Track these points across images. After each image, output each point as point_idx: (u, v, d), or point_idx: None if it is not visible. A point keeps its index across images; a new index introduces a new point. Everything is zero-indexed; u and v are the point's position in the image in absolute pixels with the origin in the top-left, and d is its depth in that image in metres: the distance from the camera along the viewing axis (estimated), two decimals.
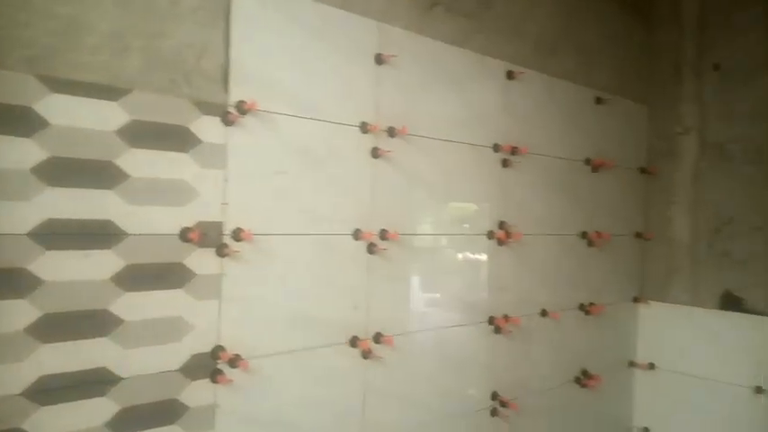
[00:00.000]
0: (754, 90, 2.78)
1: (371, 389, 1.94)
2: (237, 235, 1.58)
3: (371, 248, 1.91)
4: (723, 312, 2.83)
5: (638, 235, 3.09)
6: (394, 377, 2.01)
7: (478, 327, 2.31)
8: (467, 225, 2.26)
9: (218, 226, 1.56)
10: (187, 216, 1.50)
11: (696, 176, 2.96)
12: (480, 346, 2.32)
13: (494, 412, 2.36)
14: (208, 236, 1.54)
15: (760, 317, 2.71)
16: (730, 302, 2.82)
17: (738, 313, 2.78)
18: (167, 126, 1.49)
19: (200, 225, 1.52)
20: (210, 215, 1.55)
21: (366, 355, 1.90)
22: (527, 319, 2.50)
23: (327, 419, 1.83)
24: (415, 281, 2.08)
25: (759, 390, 2.68)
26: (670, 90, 3.06)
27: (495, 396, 2.37)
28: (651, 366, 3.07)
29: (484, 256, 2.33)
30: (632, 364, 3.12)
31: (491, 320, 2.35)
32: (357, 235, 1.87)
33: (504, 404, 2.37)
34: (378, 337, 1.94)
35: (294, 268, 1.73)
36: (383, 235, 1.93)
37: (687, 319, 2.96)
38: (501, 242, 2.36)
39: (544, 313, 2.57)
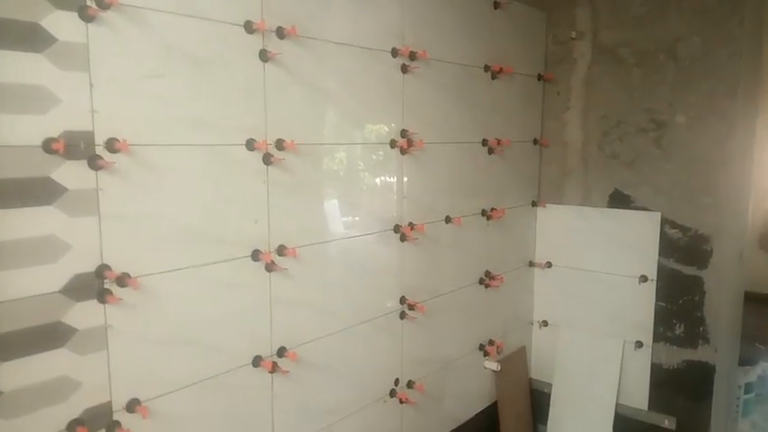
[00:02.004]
0: None
1: (278, 301, 1.92)
2: (111, 146, 1.45)
3: (268, 159, 1.83)
4: (613, 210, 3.03)
5: (536, 141, 3.19)
6: (300, 288, 2.00)
7: (384, 235, 2.32)
8: (368, 134, 2.21)
9: (88, 136, 1.42)
10: (49, 125, 1.35)
11: (588, 81, 3.06)
12: (387, 254, 2.35)
13: (402, 315, 2.44)
14: (77, 147, 1.40)
15: (645, 212, 2.92)
16: (619, 200, 3.01)
17: (626, 210, 2.98)
18: (15, 23, 1.30)
19: (67, 135, 1.38)
20: (78, 124, 1.40)
21: (270, 268, 1.87)
22: (432, 226, 2.55)
23: (233, 335, 1.80)
24: (318, 192, 2.04)
25: (644, 278, 2.93)
26: None
27: (403, 300, 2.43)
28: (549, 265, 3.27)
29: (387, 165, 2.32)
30: (532, 263, 3.30)
31: (396, 228, 2.37)
32: (251, 145, 1.78)
33: (411, 307, 2.44)
34: (281, 250, 1.90)
35: (183, 181, 1.63)
36: (280, 145, 1.85)
37: (581, 219, 3.14)
38: (403, 151, 2.35)
39: (448, 220, 2.63)
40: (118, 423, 1.53)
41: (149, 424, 1.61)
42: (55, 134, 1.36)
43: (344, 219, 2.16)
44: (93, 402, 1.49)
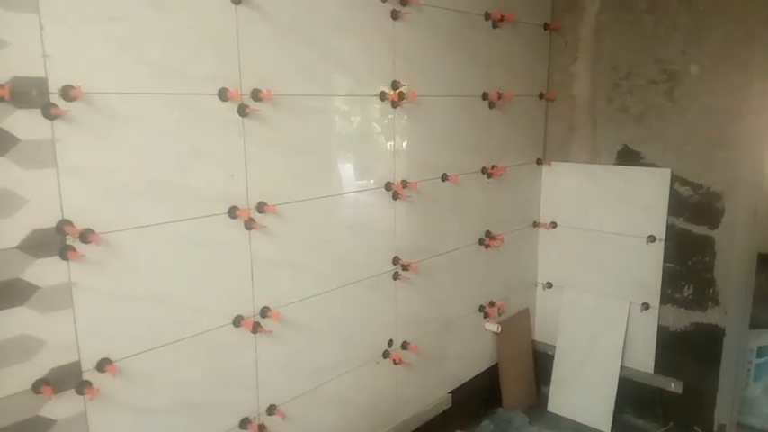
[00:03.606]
0: None
1: (260, 260, 1.85)
2: (67, 93, 1.36)
3: (243, 110, 1.73)
4: (621, 167, 2.89)
5: (541, 95, 3.04)
6: (284, 248, 1.93)
7: (375, 193, 2.23)
8: (355, 85, 2.09)
9: (40, 82, 1.33)
10: None
11: (597, 30, 2.88)
12: (378, 214, 2.26)
13: (395, 275, 2.36)
14: (27, 94, 1.31)
15: (655, 168, 2.78)
16: (628, 157, 2.86)
17: (635, 167, 2.84)
18: None
19: (15, 81, 1.29)
20: (28, 69, 1.31)
21: (249, 225, 1.79)
22: (427, 184, 2.44)
23: (211, 293, 1.74)
24: (300, 146, 1.94)
25: (652, 238, 2.80)
26: None
27: (396, 260, 2.35)
28: (554, 225, 3.16)
29: (377, 119, 2.21)
30: (536, 224, 3.19)
31: (388, 186, 2.27)
32: (224, 95, 1.68)
33: (405, 267, 2.36)
34: (261, 207, 1.82)
35: (148, 133, 1.54)
36: (256, 95, 1.75)
37: (587, 177, 3.01)
38: (395, 104, 2.23)
39: (445, 178, 2.52)
40: (88, 383, 1.49)
41: (123, 384, 1.57)
42: (2, 80, 1.27)
43: (331, 175, 2.06)
44: (60, 362, 1.44)
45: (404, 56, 2.24)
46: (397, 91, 2.22)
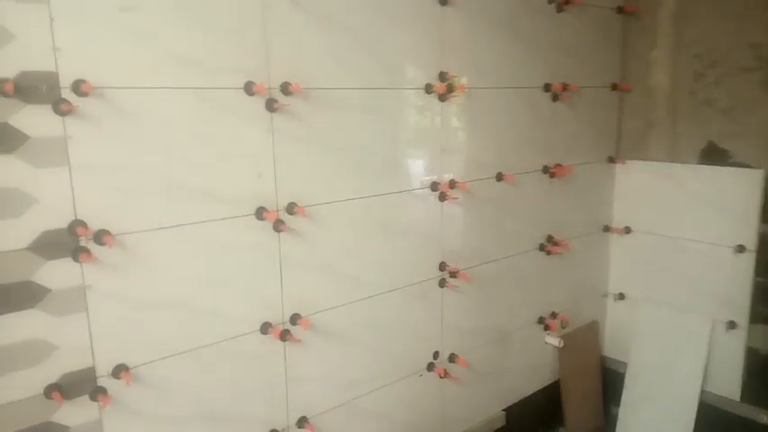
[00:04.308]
0: None
1: (291, 265, 1.74)
2: (78, 88, 1.30)
3: (271, 105, 1.62)
4: (705, 167, 2.56)
5: (615, 86, 2.75)
6: (318, 251, 1.81)
7: (419, 194, 2.07)
8: (397, 77, 1.94)
9: (50, 77, 1.28)
10: (1, 64, 1.22)
11: (680, 12, 2.56)
12: (422, 216, 2.10)
13: (442, 283, 2.19)
14: (37, 89, 1.26)
15: (745, 169, 2.44)
16: (713, 156, 2.54)
17: (722, 167, 2.51)
18: None
19: (24, 76, 1.24)
20: (37, 63, 1.26)
21: (278, 227, 1.68)
22: (478, 184, 2.25)
23: (236, 299, 1.65)
24: (335, 143, 1.81)
25: (741, 248, 2.47)
26: None
27: (442, 266, 2.18)
28: (628, 230, 2.87)
29: (422, 114, 2.04)
30: (607, 228, 2.91)
31: (434, 186, 2.10)
32: (250, 89, 1.58)
33: (453, 274, 2.18)
34: (291, 208, 1.71)
35: (167, 130, 1.47)
36: (285, 88, 1.64)
37: (666, 178, 2.70)
38: (442, 97, 2.06)
39: (499, 177, 2.32)
40: (102, 389, 1.43)
41: (141, 391, 1.50)
42: (9, 75, 1.23)
43: (369, 175, 1.92)
44: (74, 367, 1.39)
45: (453, 44, 2.06)
46: (445, 83, 2.04)
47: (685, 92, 2.58)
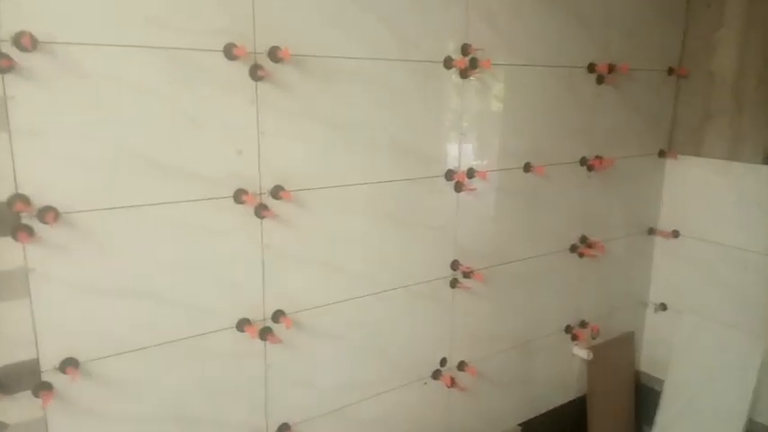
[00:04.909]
0: None
1: (276, 255, 1.55)
2: (19, 41, 1.12)
3: (255, 72, 1.41)
4: None
5: (671, 70, 2.42)
6: (308, 242, 1.60)
7: (431, 182, 1.83)
8: (410, 47, 1.69)
9: None
10: None
11: None
12: (434, 207, 1.86)
13: (454, 283, 1.95)
14: None
15: None
16: None
17: None
18: None
19: None
20: None
21: (260, 212, 1.48)
22: (503, 174, 2.00)
23: (209, 289, 1.47)
24: (333, 120, 1.59)
25: None
26: None
27: (455, 265, 1.94)
28: (675, 234, 2.55)
29: (438, 91, 1.79)
30: (652, 231, 2.60)
31: (449, 175, 1.86)
32: (230, 52, 1.37)
33: (466, 274, 1.95)
34: (276, 192, 1.51)
35: (134, 94, 1.28)
36: (273, 54, 1.43)
37: (724, 177, 2.36)
38: (464, 73, 1.80)
39: (528, 168, 2.05)
40: (47, 384, 1.28)
41: (94, 389, 1.35)
42: None
43: (373, 158, 1.69)
44: (13, 359, 1.24)
45: (481, 12, 1.80)
46: (468, 57, 1.79)
47: (754, 79, 2.23)
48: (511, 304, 2.15)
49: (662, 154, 2.51)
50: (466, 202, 1.92)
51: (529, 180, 2.07)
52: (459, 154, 1.87)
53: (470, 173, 1.88)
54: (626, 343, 2.67)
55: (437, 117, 1.80)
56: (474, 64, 1.79)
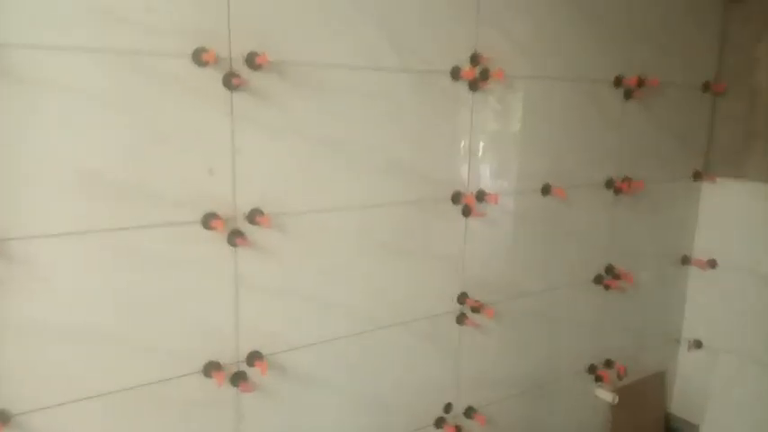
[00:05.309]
0: None
1: (251, 288, 1.36)
2: None
3: (230, 81, 1.24)
4: None
5: (707, 86, 2.19)
6: (291, 273, 1.41)
7: (436, 206, 1.63)
8: (412, 56, 1.50)
9: None
10: None
11: None
12: (439, 234, 1.65)
13: (460, 319, 1.74)
14: None
15: None
16: None
17: None
18: None
19: None
20: None
21: (233, 240, 1.30)
22: (518, 197, 1.79)
23: (173, 326, 1.28)
24: (323, 135, 1.40)
25: None
26: None
27: (462, 299, 1.73)
28: (712, 264, 2.30)
29: (445, 105, 1.60)
30: (686, 260, 2.35)
31: (457, 198, 1.66)
32: (199, 57, 1.20)
33: (476, 309, 1.73)
34: (253, 216, 1.32)
35: (84, 101, 1.11)
36: (252, 60, 1.25)
37: (767, 202, 2.12)
38: (474, 85, 1.61)
39: (546, 190, 1.84)
40: None
41: None
42: None
43: (368, 178, 1.49)
44: None
45: (492, 18, 1.61)
46: (478, 67, 1.59)
47: None
48: (526, 342, 1.93)
49: (697, 176, 2.27)
50: (475, 227, 1.71)
51: (548, 204, 1.85)
52: (468, 174, 1.67)
53: (480, 195, 1.68)
54: (656, 384, 2.41)
55: (443, 133, 1.60)
56: (485, 75, 1.60)
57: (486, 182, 1.70)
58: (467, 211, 1.67)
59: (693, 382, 2.41)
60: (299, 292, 1.43)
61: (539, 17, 1.70)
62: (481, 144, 1.67)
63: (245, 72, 1.26)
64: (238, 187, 1.30)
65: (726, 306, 2.28)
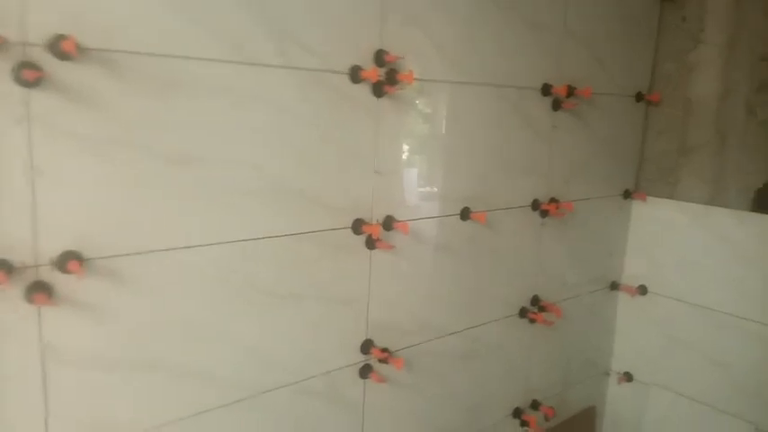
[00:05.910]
0: None
1: (63, 361, 0.99)
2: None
3: (22, 74, 0.87)
4: (761, 216, 1.82)
5: (640, 96, 2.00)
6: (123, 334, 1.05)
7: (330, 237, 1.31)
8: (300, 52, 1.18)
9: None
10: None
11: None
12: (336, 270, 1.33)
13: (365, 372, 1.43)
14: None
15: None
16: None
17: None
18: None
19: None
20: None
21: (32, 297, 0.92)
22: (432, 223, 1.50)
23: None
24: (169, 150, 1.05)
25: None
26: None
27: (367, 347, 1.42)
28: (643, 290, 2.12)
29: (340, 111, 1.28)
30: (615, 285, 2.16)
31: (357, 226, 1.34)
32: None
33: (383, 359, 1.42)
34: (63, 263, 0.95)
35: None
36: (55, 45, 0.88)
37: (704, 225, 1.95)
38: (378, 89, 1.31)
39: (465, 214, 1.56)
40: None
41: None
42: None
43: (236, 205, 1.16)
44: None
45: (400, 9, 1.31)
46: (384, 68, 1.29)
47: (741, 108, 1.83)
48: (443, 393, 1.65)
49: (627, 194, 2.09)
50: (383, 261, 1.41)
51: (467, 230, 1.58)
52: (372, 198, 1.36)
53: (388, 223, 1.38)
54: (586, 420, 2.21)
55: (339, 148, 1.29)
56: (392, 77, 1.30)
57: (395, 207, 1.40)
58: (371, 243, 1.36)
59: (625, 418, 2.23)
60: (136, 361, 1.07)
61: (459, 14, 1.43)
62: (388, 160, 1.37)
63: (47, 62, 0.89)
64: (41, 223, 0.93)
65: (655, 336, 2.11)
